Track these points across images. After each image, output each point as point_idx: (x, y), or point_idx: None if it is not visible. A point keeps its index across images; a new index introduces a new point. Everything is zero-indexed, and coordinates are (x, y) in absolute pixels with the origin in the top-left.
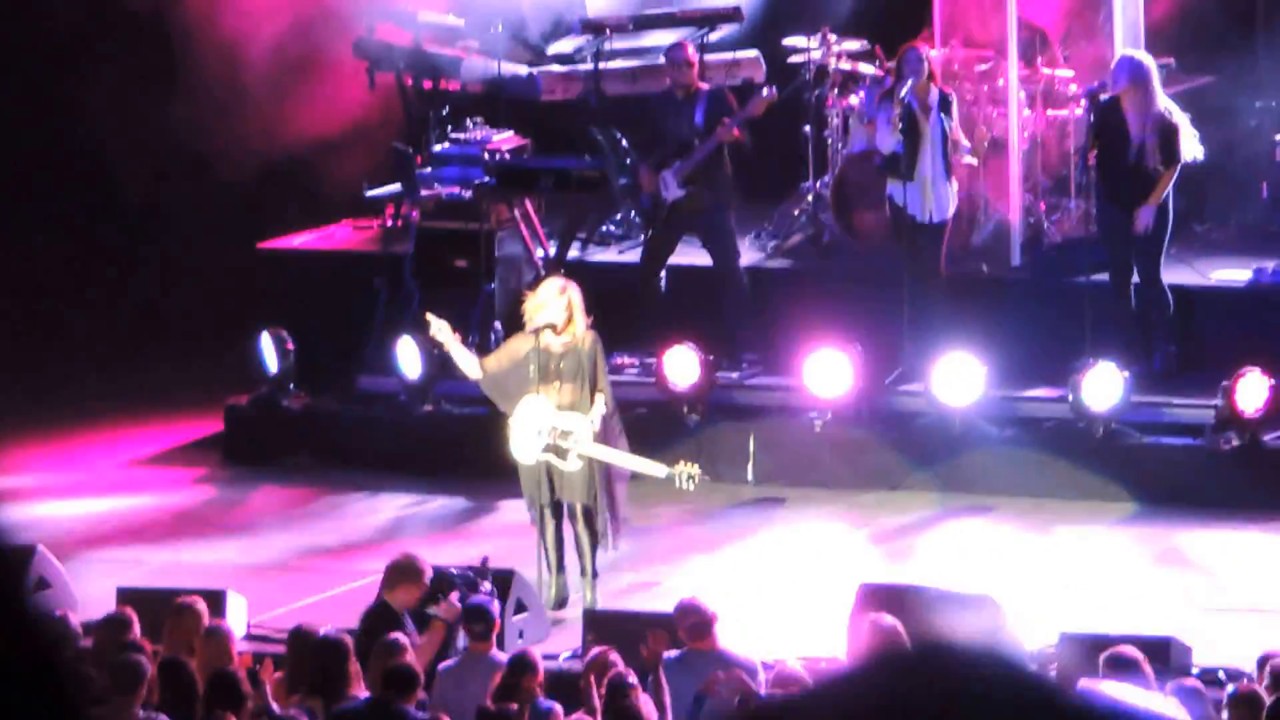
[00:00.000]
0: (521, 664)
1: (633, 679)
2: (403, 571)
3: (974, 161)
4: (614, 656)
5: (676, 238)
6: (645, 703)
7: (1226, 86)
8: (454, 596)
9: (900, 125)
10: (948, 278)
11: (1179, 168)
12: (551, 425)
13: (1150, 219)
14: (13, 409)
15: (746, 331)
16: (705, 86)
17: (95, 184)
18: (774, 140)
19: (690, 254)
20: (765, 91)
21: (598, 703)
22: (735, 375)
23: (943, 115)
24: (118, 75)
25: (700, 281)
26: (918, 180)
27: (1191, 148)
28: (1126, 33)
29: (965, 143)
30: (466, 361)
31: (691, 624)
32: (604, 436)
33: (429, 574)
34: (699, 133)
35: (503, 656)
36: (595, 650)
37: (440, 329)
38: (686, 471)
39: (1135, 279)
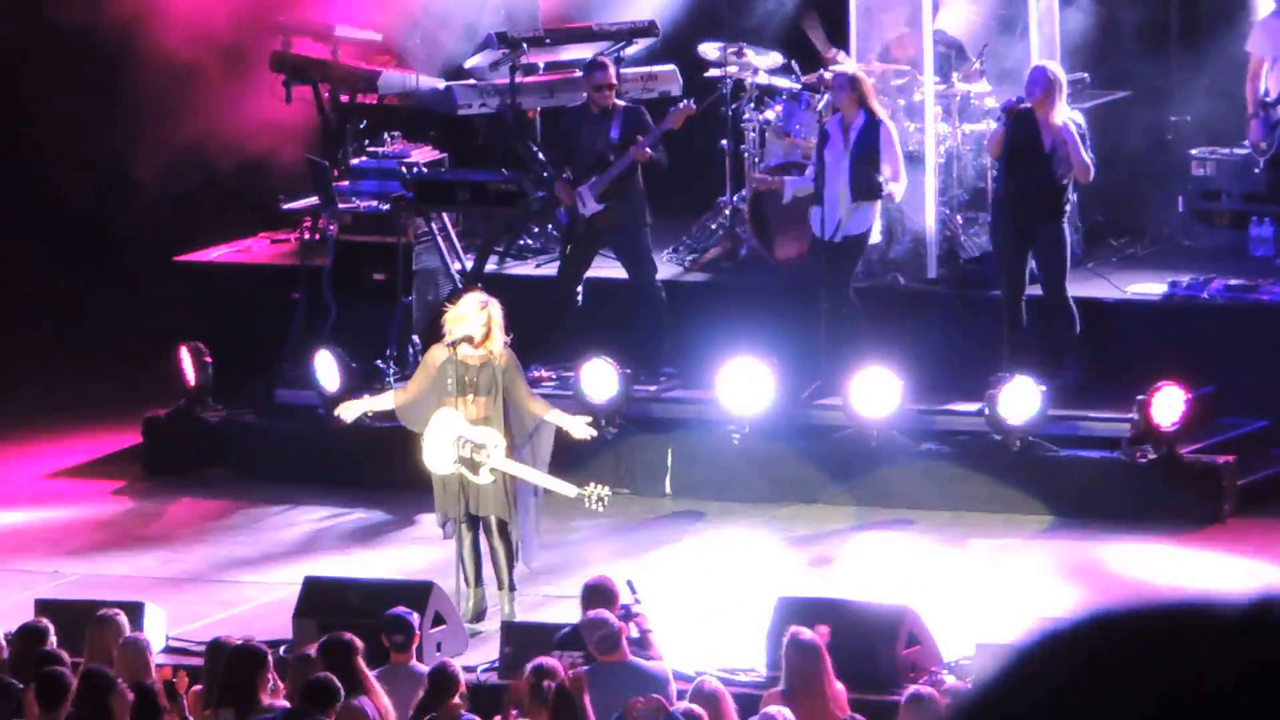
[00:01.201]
0: (444, 678)
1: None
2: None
3: (894, 194)
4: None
5: (593, 252)
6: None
7: (1141, 100)
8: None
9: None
10: (865, 290)
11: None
12: (465, 438)
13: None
14: None
15: (664, 345)
16: (622, 103)
17: (19, 192)
18: (691, 154)
19: (607, 268)
20: (683, 104)
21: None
22: (653, 389)
23: (866, 140)
24: (45, 84)
25: (617, 295)
26: (826, 199)
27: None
28: (1043, 47)
29: (887, 174)
30: (379, 403)
31: (600, 637)
32: (537, 446)
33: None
34: (615, 148)
35: (423, 668)
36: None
37: (347, 411)
38: (596, 493)
39: (1040, 293)
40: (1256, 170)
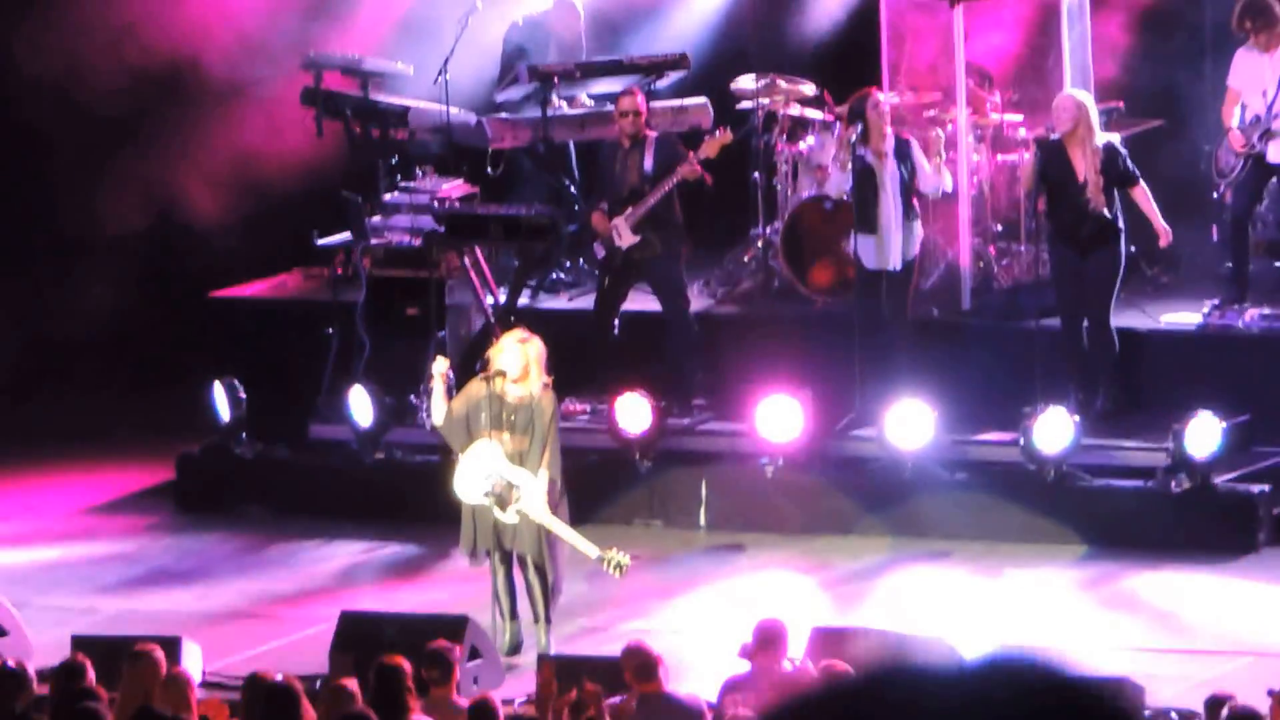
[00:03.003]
0: (484, 712)
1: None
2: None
3: (946, 185)
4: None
5: (629, 285)
6: None
7: (1175, 130)
8: None
9: (851, 172)
10: (910, 319)
11: (1141, 183)
12: (500, 473)
13: (1168, 234)
14: None
15: (695, 378)
16: (653, 133)
17: (51, 227)
18: (723, 187)
19: (642, 300)
20: (718, 133)
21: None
22: (686, 421)
23: (900, 163)
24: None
25: (651, 328)
26: (875, 230)
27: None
28: (1076, 76)
29: (929, 174)
30: (439, 406)
31: (637, 665)
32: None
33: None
34: (649, 179)
35: (462, 701)
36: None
37: (439, 368)
38: (616, 559)
39: (1085, 322)
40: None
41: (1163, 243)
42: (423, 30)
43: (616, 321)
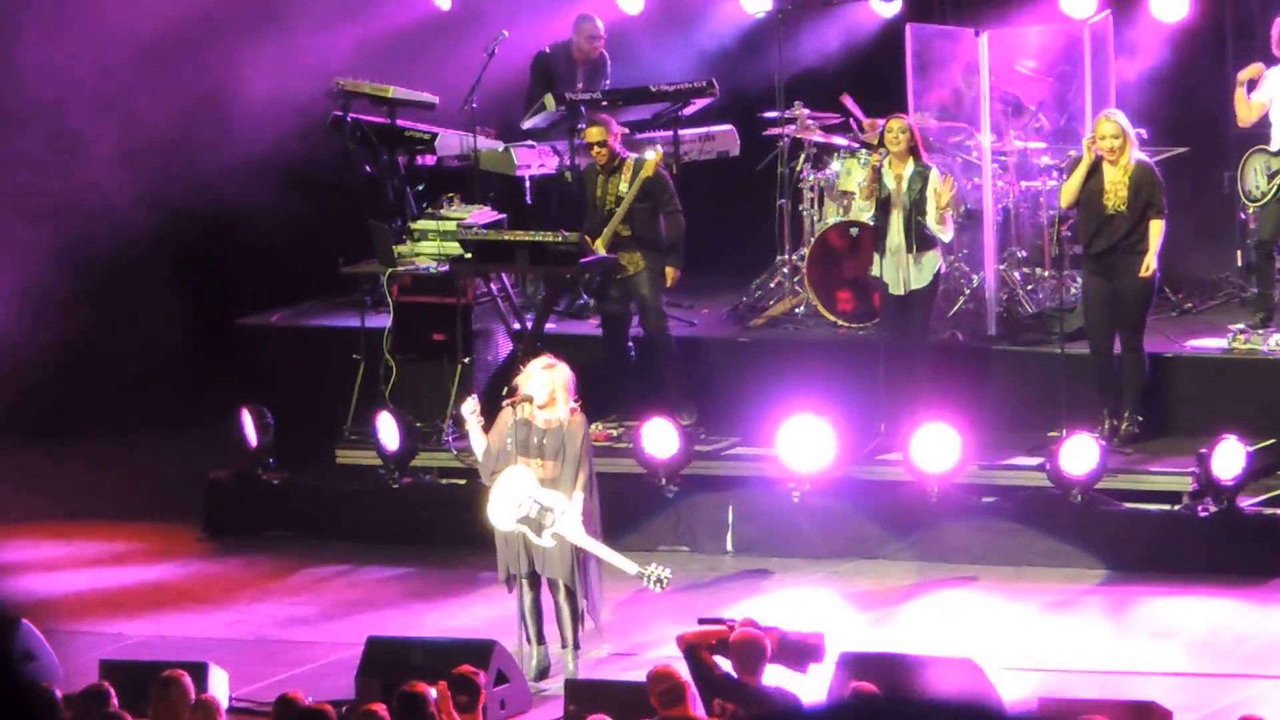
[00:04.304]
0: None
1: None
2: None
3: (942, 234)
4: None
5: (627, 305)
6: None
7: (1199, 156)
8: None
9: (874, 197)
10: (931, 344)
11: (1165, 221)
12: (533, 498)
13: (1154, 270)
14: None
15: (678, 393)
16: (632, 155)
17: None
18: (750, 213)
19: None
20: (651, 151)
21: None
22: (709, 448)
23: (918, 189)
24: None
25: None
26: (890, 253)
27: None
28: (1100, 104)
29: (936, 210)
30: (478, 442)
31: (664, 690)
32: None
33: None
34: (624, 199)
35: None
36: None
37: (469, 409)
38: (657, 574)
39: (1117, 346)
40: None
41: (1144, 274)
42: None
43: (631, 345)
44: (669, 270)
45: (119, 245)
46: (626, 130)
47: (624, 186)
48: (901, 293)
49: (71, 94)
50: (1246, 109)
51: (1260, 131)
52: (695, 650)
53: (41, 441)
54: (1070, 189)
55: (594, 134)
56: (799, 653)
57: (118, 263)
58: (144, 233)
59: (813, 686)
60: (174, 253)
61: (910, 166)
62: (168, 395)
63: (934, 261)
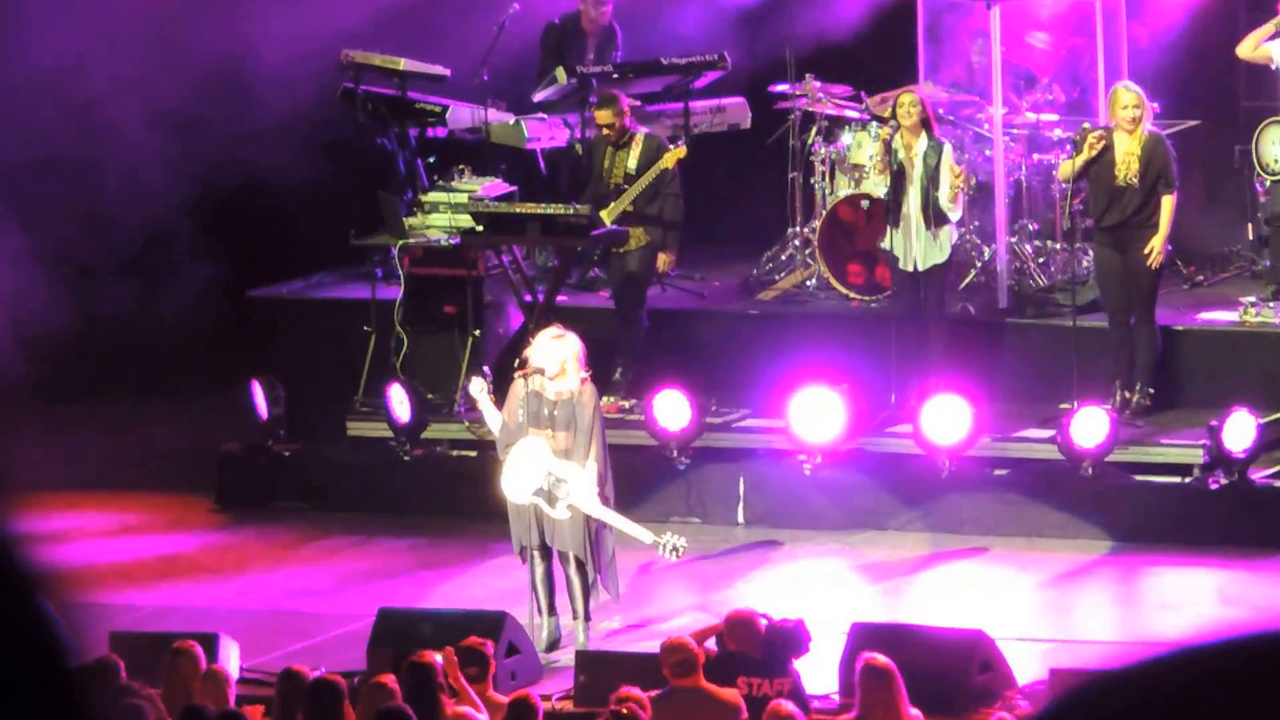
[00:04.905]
0: (524, 709)
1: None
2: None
3: (954, 209)
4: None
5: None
6: None
7: (1210, 130)
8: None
9: (888, 171)
10: (946, 318)
11: (1176, 195)
12: (547, 470)
13: (1163, 252)
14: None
15: (627, 373)
16: (642, 129)
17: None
18: (761, 186)
19: (670, 298)
20: (675, 145)
21: None
22: (719, 420)
23: (932, 161)
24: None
25: (688, 324)
26: (902, 227)
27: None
28: (1112, 77)
29: (950, 188)
30: (493, 421)
31: (676, 662)
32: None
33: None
34: (632, 179)
35: (500, 698)
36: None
37: (476, 387)
38: (672, 543)
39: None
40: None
41: (1154, 263)
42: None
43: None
44: (662, 255)
45: (134, 215)
46: (637, 102)
47: (632, 163)
48: (911, 269)
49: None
50: (1252, 47)
51: (1272, 105)
52: (701, 640)
53: (54, 411)
54: (1068, 168)
55: (603, 117)
56: (782, 643)
57: (131, 234)
58: (161, 203)
59: (824, 658)
60: (188, 224)
61: (923, 141)
62: (181, 366)
63: (950, 237)
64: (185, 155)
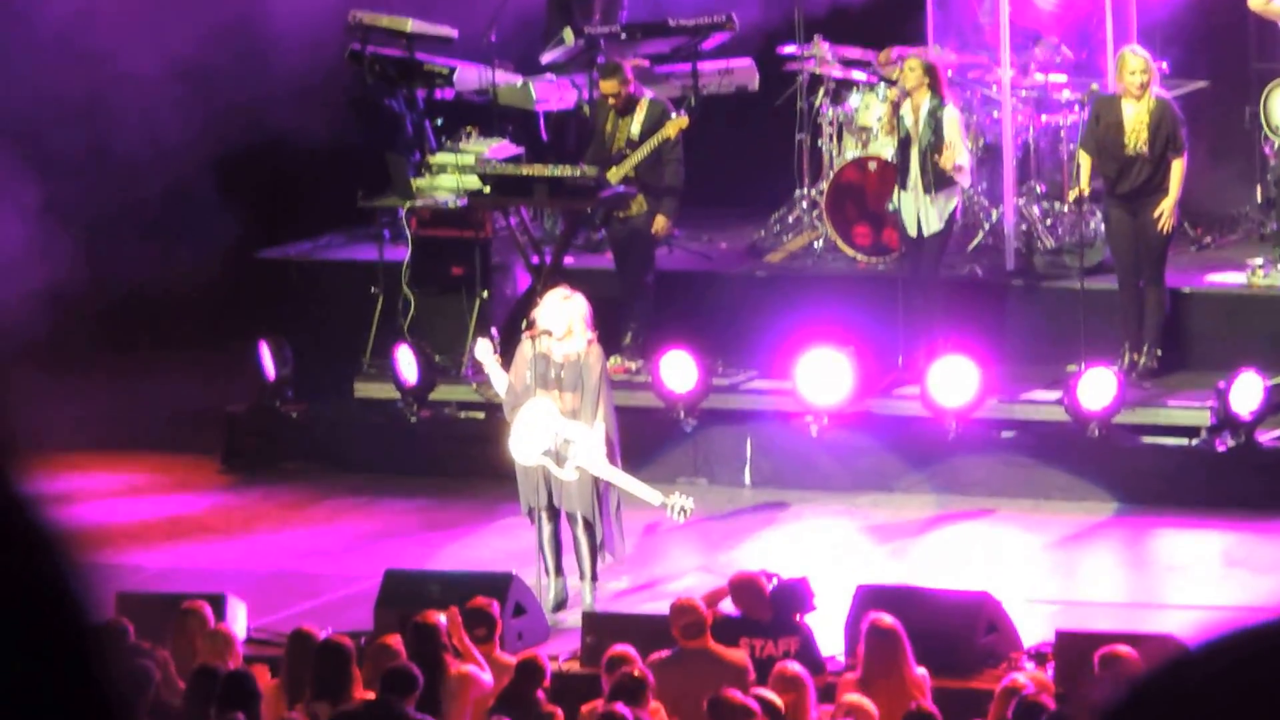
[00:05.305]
0: (531, 668)
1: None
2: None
3: (962, 178)
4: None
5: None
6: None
7: (1219, 91)
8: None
9: (896, 134)
10: (943, 282)
11: (1182, 157)
12: (555, 430)
13: (1173, 215)
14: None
15: (636, 336)
16: (648, 94)
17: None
18: (769, 148)
19: (677, 260)
20: (678, 114)
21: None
22: (726, 382)
23: (934, 125)
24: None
25: (694, 286)
26: (910, 190)
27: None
28: (1121, 38)
29: (957, 154)
30: (499, 382)
31: (686, 624)
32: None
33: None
34: (634, 144)
35: (507, 658)
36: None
37: (483, 350)
38: (680, 504)
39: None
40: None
41: (1165, 226)
42: None
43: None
44: (660, 219)
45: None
46: (645, 62)
47: (636, 128)
48: (914, 234)
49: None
50: (1265, 0)
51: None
52: (710, 607)
53: (60, 370)
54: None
55: (608, 86)
56: (787, 601)
57: (141, 192)
58: (172, 162)
59: (830, 620)
60: (198, 183)
61: (928, 103)
62: (188, 326)
63: (949, 203)
64: (197, 115)
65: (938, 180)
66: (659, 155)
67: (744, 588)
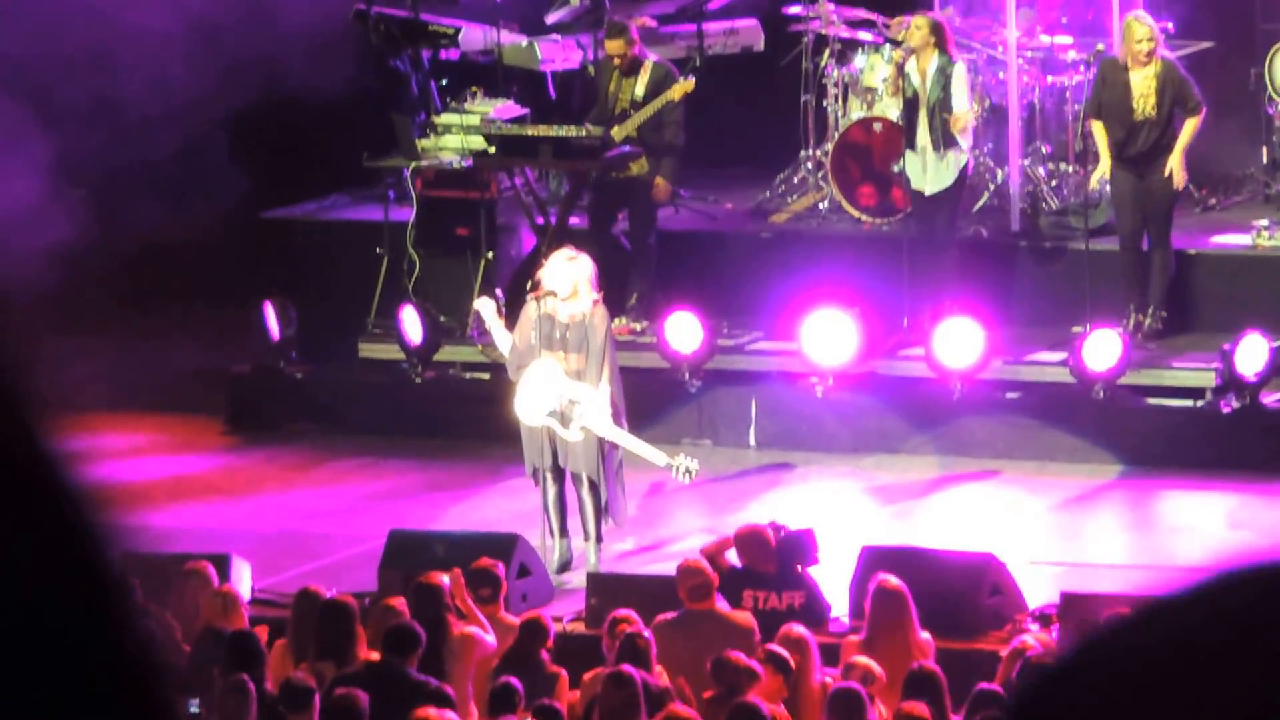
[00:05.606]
0: (535, 629)
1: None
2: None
3: (965, 139)
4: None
5: (618, 204)
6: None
7: (1225, 52)
8: None
9: (902, 94)
10: (958, 242)
11: (1196, 118)
12: (560, 391)
13: (1183, 169)
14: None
15: (640, 295)
16: (652, 57)
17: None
18: (774, 108)
19: (683, 220)
20: (684, 79)
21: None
22: (732, 342)
23: (941, 85)
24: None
25: (699, 246)
26: (918, 151)
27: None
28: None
29: (962, 115)
30: (503, 341)
31: (693, 585)
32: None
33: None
34: (638, 105)
35: (511, 619)
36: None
37: (486, 308)
38: (685, 465)
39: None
40: None
41: (1177, 181)
42: None
43: (621, 237)
44: (660, 181)
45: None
46: (652, 23)
47: (640, 89)
48: (927, 192)
49: None
50: None
51: None
52: (714, 559)
53: (66, 330)
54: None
55: (613, 47)
56: (791, 553)
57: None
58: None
59: (835, 581)
60: (206, 143)
61: (935, 62)
62: (193, 286)
63: (958, 161)
64: (208, 72)
65: (947, 138)
66: (660, 117)
67: (749, 540)
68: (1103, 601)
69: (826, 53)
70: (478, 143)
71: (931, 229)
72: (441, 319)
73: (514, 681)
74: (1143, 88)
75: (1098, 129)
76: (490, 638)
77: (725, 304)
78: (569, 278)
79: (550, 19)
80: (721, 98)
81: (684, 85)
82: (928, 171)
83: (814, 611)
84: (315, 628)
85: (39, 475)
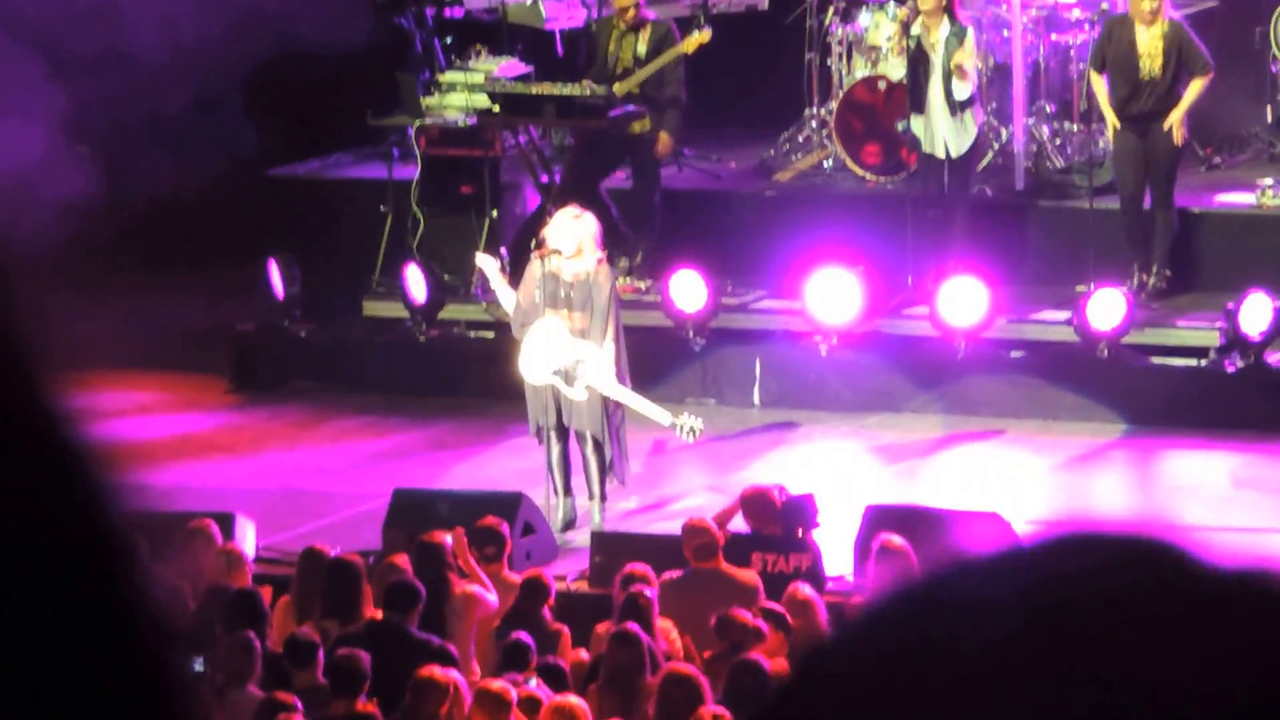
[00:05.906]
0: (537, 587)
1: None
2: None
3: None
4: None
5: (614, 160)
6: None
7: (1230, 10)
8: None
9: (907, 53)
10: (968, 200)
11: (1205, 77)
12: (565, 350)
13: (1183, 126)
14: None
15: (643, 248)
16: (652, 15)
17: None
18: (778, 67)
19: (687, 179)
20: (699, 31)
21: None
22: (736, 301)
23: (949, 48)
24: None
25: (704, 206)
26: (926, 113)
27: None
28: None
29: (964, 76)
30: (506, 298)
31: (698, 544)
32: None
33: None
34: (641, 62)
35: (515, 577)
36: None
37: (488, 265)
38: (689, 424)
39: (1148, 202)
40: None
41: (1177, 138)
42: None
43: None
44: (663, 136)
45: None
46: None
47: (642, 47)
48: (941, 155)
49: None
50: None
51: None
52: (724, 524)
53: (69, 286)
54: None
55: (622, 1)
56: (793, 516)
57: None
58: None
59: (839, 540)
60: (214, 98)
61: (945, 27)
62: (197, 244)
63: (975, 119)
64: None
65: (962, 103)
66: (662, 74)
67: (755, 502)
68: None
69: (831, 10)
70: (482, 101)
71: (940, 189)
72: (446, 277)
73: (525, 637)
74: (1149, 47)
75: (1098, 83)
76: (492, 596)
77: (729, 263)
78: (574, 236)
79: None
80: (726, 56)
81: (699, 36)
82: (949, 135)
83: (818, 575)
84: (322, 586)
85: (43, 433)
